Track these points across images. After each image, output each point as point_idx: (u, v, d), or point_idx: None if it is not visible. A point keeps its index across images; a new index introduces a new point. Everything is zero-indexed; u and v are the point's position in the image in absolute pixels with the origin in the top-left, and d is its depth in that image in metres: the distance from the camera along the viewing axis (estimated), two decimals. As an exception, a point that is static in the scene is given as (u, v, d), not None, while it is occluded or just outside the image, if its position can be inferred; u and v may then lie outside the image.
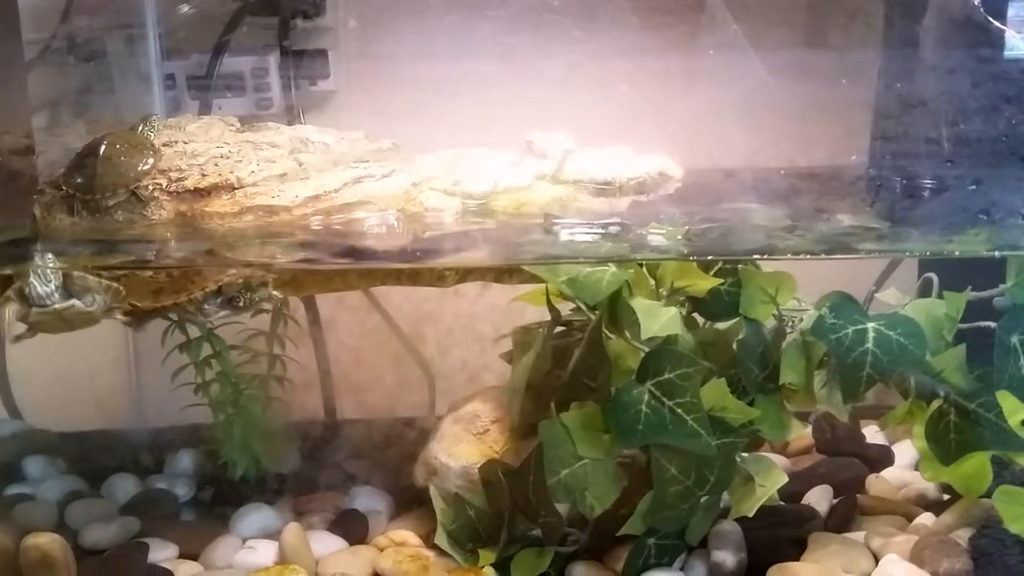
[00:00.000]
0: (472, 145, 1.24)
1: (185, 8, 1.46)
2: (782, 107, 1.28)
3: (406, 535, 1.17)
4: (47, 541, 1.11)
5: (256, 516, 1.21)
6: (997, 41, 1.19)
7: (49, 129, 1.37)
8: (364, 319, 1.47)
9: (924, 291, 1.14)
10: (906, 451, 1.31)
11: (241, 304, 1.09)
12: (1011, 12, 1.19)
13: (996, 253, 1.10)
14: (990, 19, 1.20)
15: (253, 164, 1.13)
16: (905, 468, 1.30)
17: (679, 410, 1.03)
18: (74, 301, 1.04)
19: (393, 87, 1.39)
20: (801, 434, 1.34)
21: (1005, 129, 1.14)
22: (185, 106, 1.44)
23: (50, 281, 1.02)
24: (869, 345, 1.05)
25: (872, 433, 1.37)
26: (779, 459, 1.30)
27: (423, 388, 1.52)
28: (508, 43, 1.37)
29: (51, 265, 1.02)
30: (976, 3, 1.23)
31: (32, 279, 1.02)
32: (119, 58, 1.44)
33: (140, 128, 1.16)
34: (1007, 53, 1.18)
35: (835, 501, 1.21)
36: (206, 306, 1.09)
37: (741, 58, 1.26)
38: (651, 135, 1.25)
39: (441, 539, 1.14)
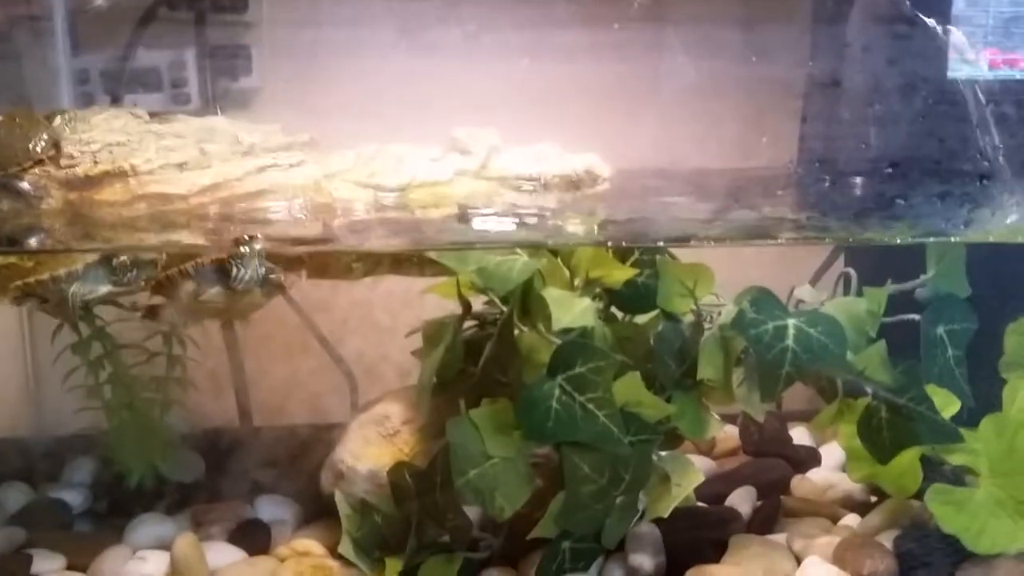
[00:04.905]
0: (398, 142, 1.20)
1: (99, 1, 1.42)
2: (720, 113, 1.26)
3: (310, 545, 1.12)
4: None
5: (152, 526, 1.15)
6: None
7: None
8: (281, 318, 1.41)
9: (844, 286, 1.11)
10: (833, 452, 1.28)
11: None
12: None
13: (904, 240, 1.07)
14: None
15: (150, 152, 1.10)
16: (832, 469, 1.27)
17: (590, 405, 0.98)
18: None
19: (318, 84, 1.35)
20: (726, 434, 1.31)
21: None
22: (99, 101, 1.39)
23: (255, 265, 1.02)
24: (789, 342, 1.00)
25: (799, 434, 1.34)
26: (704, 461, 1.27)
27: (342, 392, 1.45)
28: (437, 39, 1.34)
29: (259, 247, 1.01)
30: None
31: (241, 263, 1.02)
32: (27, 50, 1.39)
33: (57, 122, 1.10)
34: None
35: (758, 503, 1.17)
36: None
37: (681, 62, 1.24)
38: (581, 134, 1.23)
39: (346, 548, 1.08)
